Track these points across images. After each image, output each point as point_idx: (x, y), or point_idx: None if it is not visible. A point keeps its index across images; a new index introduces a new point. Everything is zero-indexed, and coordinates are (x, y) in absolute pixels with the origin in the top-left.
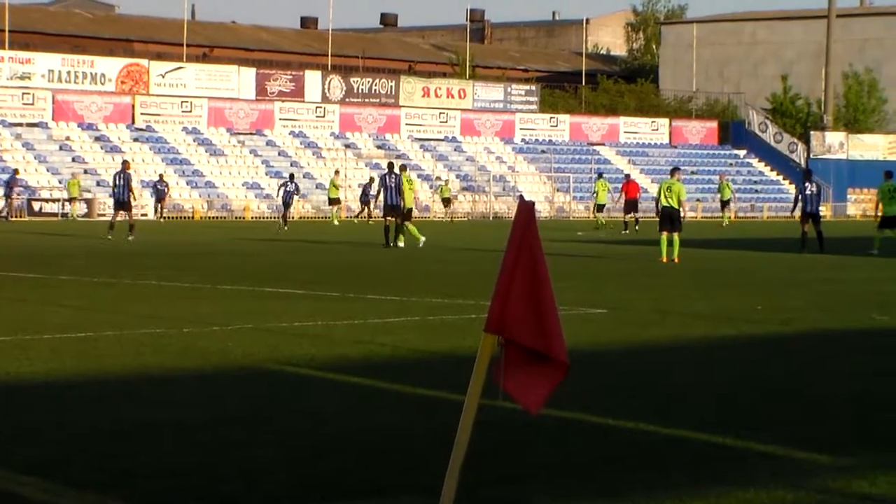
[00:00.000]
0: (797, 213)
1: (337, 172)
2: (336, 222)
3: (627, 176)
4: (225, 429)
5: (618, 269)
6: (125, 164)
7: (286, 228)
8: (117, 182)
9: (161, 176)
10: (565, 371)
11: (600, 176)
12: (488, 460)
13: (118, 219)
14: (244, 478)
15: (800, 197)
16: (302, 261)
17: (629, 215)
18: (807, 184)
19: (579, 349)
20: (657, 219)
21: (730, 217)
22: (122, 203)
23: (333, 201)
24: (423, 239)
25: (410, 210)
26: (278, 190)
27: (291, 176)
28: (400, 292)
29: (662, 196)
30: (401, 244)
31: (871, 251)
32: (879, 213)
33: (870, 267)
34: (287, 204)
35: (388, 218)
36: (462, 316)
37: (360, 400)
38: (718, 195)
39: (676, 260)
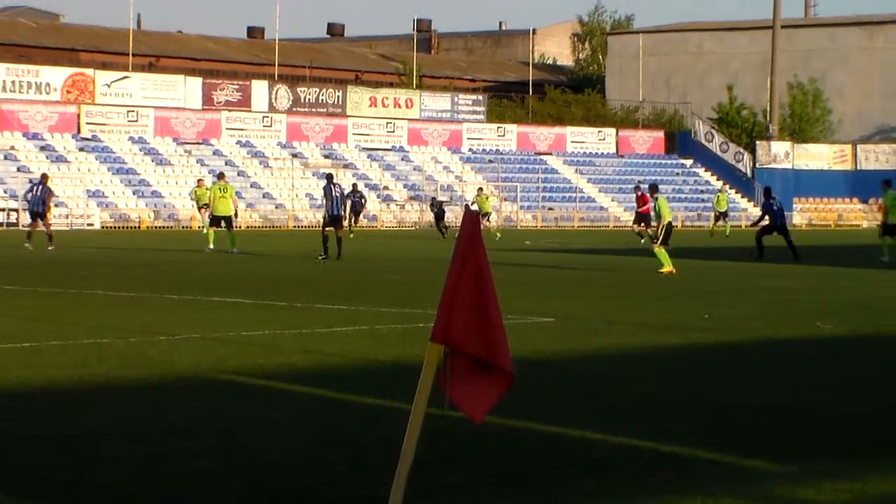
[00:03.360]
0: (762, 224)
1: (201, 180)
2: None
3: (637, 187)
4: (171, 439)
5: (566, 278)
6: (44, 177)
7: (351, 236)
8: (35, 193)
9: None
10: (510, 381)
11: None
12: (435, 469)
13: (37, 229)
14: (190, 489)
15: (767, 213)
16: (249, 270)
17: (639, 226)
18: (771, 200)
19: (527, 357)
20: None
21: (730, 227)
22: (38, 214)
23: (204, 208)
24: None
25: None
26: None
27: (355, 186)
28: (348, 301)
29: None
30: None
31: (881, 258)
32: (880, 221)
33: (813, 277)
34: (357, 212)
35: (328, 228)
36: (410, 325)
37: (307, 409)
38: (714, 206)
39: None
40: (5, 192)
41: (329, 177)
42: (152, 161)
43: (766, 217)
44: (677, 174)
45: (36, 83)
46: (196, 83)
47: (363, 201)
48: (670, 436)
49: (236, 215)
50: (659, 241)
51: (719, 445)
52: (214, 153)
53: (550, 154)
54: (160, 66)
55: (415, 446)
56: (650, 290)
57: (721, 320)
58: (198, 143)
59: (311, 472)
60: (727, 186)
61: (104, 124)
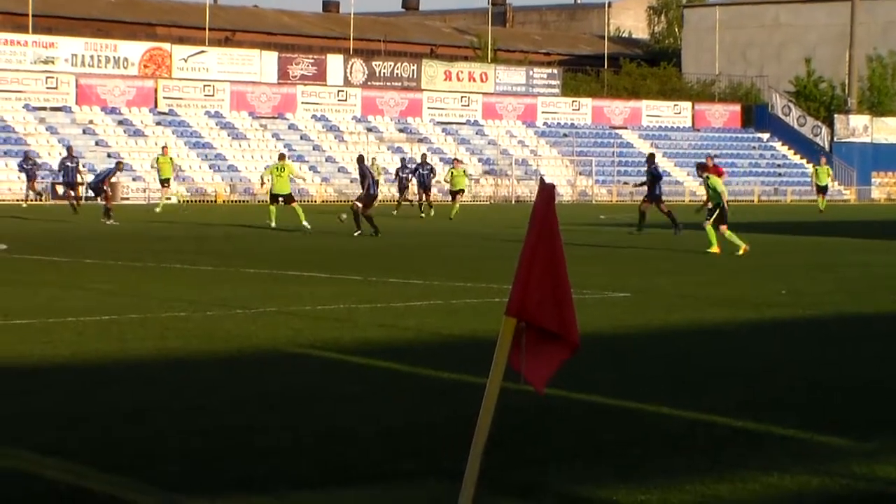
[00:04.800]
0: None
1: (165, 147)
2: (158, 209)
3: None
4: (247, 412)
5: (640, 253)
6: (70, 149)
7: (432, 213)
8: (68, 165)
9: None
10: (572, 350)
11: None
12: (510, 444)
13: (74, 201)
14: (266, 461)
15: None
16: (323, 244)
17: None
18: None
19: (604, 333)
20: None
21: (826, 202)
22: (73, 185)
23: (164, 182)
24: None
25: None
26: (414, 171)
27: (424, 157)
28: (423, 276)
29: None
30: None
31: None
32: None
33: (892, 252)
34: (427, 187)
35: (358, 204)
36: (484, 299)
37: (382, 383)
38: (814, 181)
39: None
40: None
41: (362, 158)
42: (228, 135)
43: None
44: (754, 148)
45: (114, 58)
46: (272, 57)
47: (432, 174)
48: (745, 411)
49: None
50: (713, 221)
51: (795, 421)
52: (290, 127)
53: (626, 128)
54: (236, 41)
55: (490, 420)
56: (725, 264)
57: (798, 295)
58: (273, 118)
59: (386, 447)
60: (824, 160)
61: (181, 98)
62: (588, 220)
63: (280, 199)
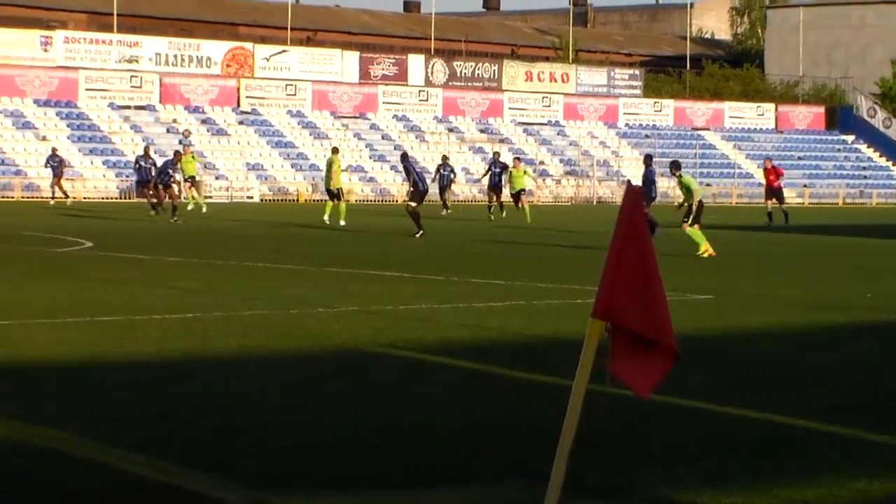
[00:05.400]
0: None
1: (188, 146)
2: (190, 207)
3: (767, 160)
4: (330, 411)
5: (722, 254)
6: (147, 149)
7: (449, 212)
8: (142, 164)
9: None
10: (674, 357)
11: None
12: (595, 446)
13: (154, 200)
14: (348, 460)
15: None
16: (404, 244)
17: (771, 202)
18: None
19: (687, 335)
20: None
21: None
22: (148, 185)
23: (189, 180)
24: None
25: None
26: (436, 172)
27: (445, 158)
28: (505, 276)
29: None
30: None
31: None
32: None
33: None
34: (444, 188)
35: (413, 204)
36: (567, 301)
37: (464, 383)
38: None
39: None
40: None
41: (405, 155)
42: (310, 135)
43: None
44: (838, 150)
45: (197, 57)
46: (353, 57)
47: (452, 175)
48: (833, 415)
49: (339, 196)
50: (690, 221)
51: (885, 427)
52: (371, 127)
53: (708, 129)
54: (318, 40)
55: (576, 422)
56: (808, 266)
57: (885, 299)
58: (355, 117)
59: (468, 447)
60: None
61: (263, 98)
62: (669, 222)
63: (333, 193)
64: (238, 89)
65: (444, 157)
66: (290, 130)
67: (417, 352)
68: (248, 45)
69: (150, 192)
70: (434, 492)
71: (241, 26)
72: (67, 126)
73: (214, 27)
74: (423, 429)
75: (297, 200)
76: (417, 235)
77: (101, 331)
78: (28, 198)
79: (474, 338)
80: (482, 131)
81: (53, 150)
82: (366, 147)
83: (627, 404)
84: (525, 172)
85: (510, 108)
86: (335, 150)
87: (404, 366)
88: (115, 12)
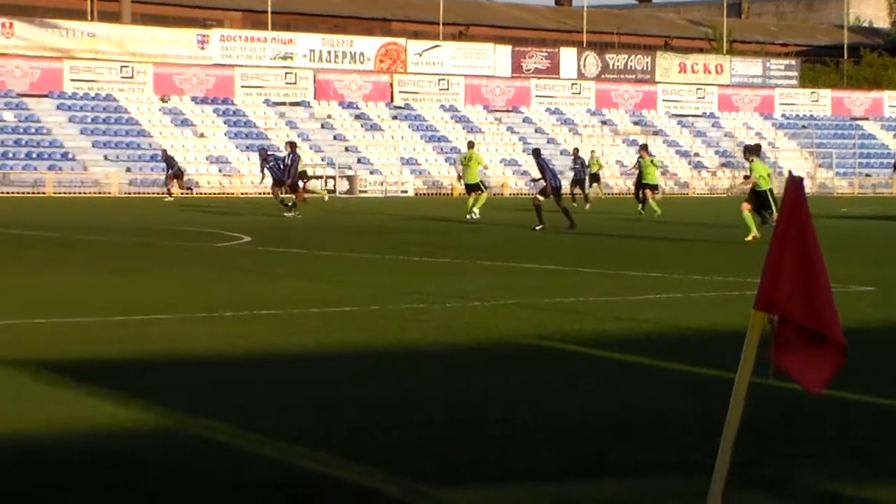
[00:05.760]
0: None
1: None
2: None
3: None
4: (488, 403)
5: (885, 246)
6: (293, 144)
7: (588, 206)
8: (286, 162)
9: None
10: (843, 351)
11: None
12: (757, 438)
13: (283, 195)
14: (509, 453)
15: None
16: (556, 237)
17: None
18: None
19: (852, 327)
20: None
21: None
22: (290, 183)
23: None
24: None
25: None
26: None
27: (576, 151)
28: (659, 269)
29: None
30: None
31: None
32: None
33: None
34: (578, 182)
35: (541, 197)
36: (724, 293)
37: (620, 376)
38: None
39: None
40: (323, 159)
41: (537, 151)
42: (463, 129)
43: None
44: None
45: (350, 53)
46: (505, 51)
47: (586, 170)
48: None
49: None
50: (752, 206)
51: None
52: (524, 121)
53: (867, 119)
54: (470, 35)
55: (739, 414)
56: None
57: None
58: (507, 111)
59: (625, 439)
60: None
61: (416, 93)
62: (829, 213)
63: (470, 188)
64: (391, 84)
65: (576, 150)
66: (443, 125)
67: (574, 344)
68: (401, 41)
69: (286, 190)
70: (590, 483)
71: (394, 22)
72: (224, 122)
73: (367, 23)
74: (584, 422)
75: (452, 194)
76: (537, 228)
77: (260, 325)
78: (187, 195)
79: (630, 331)
80: (636, 123)
81: (164, 151)
82: (519, 140)
83: (790, 396)
84: (653, 163)
85: (664, 100)
86: (471, 145)
87: (561, 358)
88: (269, 10)
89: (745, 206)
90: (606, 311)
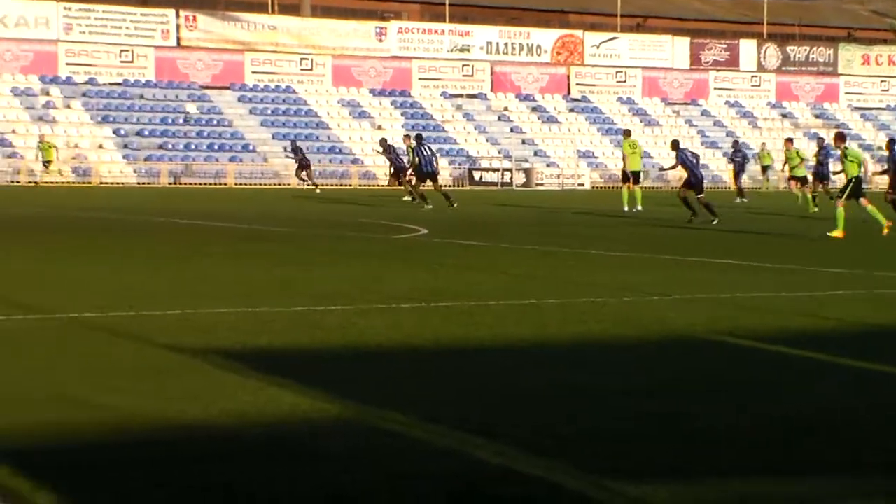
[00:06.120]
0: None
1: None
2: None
3: None
4: (668, 398)
5: None
6: (420, 137)
7: (744, 200)
8: (424, 154)
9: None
10: None
11: None
12: None
13: (423, 188)
14: (693, 448)
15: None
16: (730, 232)
17: None
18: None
19: None
20: None
21: None
22: (432, 174)
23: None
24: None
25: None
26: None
27: (736, 143)
28: (843, 265)
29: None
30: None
31: None
32: None
33: None
34: (737, 174)
35: (689, 191)
36: None
37: (810, 372)
38: None
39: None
40: (499, 151)
41: (676, 143)
42: (640, 121)
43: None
44: None
45: (527, 45)
46: (683, 43)
47: (746, 161)
48: None
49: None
50: (845, 196)
51: None
52: (702, 113)
53: None
54: (647, 27)
55: None
56: None
57: None
58: (685, 104)
59: (805, 437)
60: None
61: (593, 85)
62: None
63: (636, 176)
64: (568, 77)
65: (735, 143)
66: (620, 117)
67: (754, 340)
68: (578, 33)
69: (407, 181)
70: (783, 481)
71: (571, 14)
72: (401, 115)
73: (544, 15)
74: (766, 417)
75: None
76: (693, 219)
77: (437, 316)
78: (364, 186)
79: (815, 327)
80: (817, 116)
81: (292, 142)
82: (697, 133)
83: None
84: (798, 154)
85: (846, 93)
86: (628, 133)
87: (741, 354)
88: (447, 2)
89: (865, 202)
90: (788, 307)
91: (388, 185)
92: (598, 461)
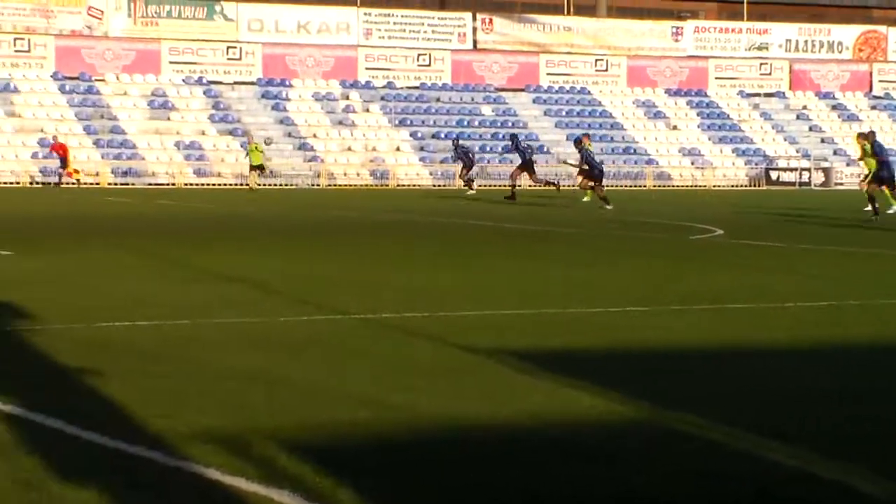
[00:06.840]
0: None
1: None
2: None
3: None
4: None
5: None
6: (514, 137)
7: None
8: (526, 149)
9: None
10: None
11: None
12: None
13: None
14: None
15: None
16: None
17: None
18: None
19: None
20: None
21: None
22: (599, 175)
23: (255, 168)
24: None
25: None
26: None
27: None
28: None
29: None
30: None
31: None
32: None
33: None
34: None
35: (874, 186)
36: None
37: None
38: None
39: None
40: (797, 151)
41: (871, 133)
42: None
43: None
44: None
45: (827, 42)
46: None
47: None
48: None
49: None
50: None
51: None
52: None
53: None
54: None
55: None
56: None
57: None
58: None
59: None
60: None
61: None
62: None
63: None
64: (870, 73)
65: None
66: None
67: None
68: (882, 29)
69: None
70: None
71: (875, 9)
72: (697, 115)
73: (847, 11)
74: None
75: None
76: (873, 218)
77: (732, 318)
78: (660, 186)
79: None
80: None
81: (454, 141)
82: None
83: None
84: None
85: None
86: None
87: None
88: (745, 0)
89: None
90: None
91: (533, 185)
92: None
